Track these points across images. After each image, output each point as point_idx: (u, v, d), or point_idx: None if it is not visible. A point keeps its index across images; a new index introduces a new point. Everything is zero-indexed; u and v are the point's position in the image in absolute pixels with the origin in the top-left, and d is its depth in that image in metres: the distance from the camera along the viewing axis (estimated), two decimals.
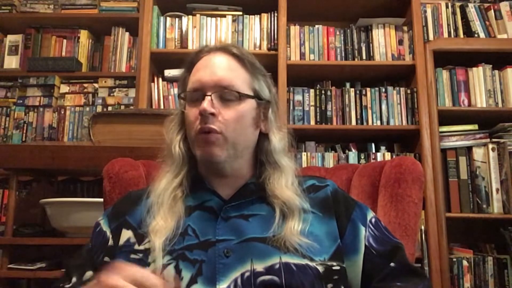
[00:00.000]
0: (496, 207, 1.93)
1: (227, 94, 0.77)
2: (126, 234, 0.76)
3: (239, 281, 0.67)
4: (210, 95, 0.76)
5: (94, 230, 0.82)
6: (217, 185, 0.80)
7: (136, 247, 0.74)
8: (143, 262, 0.71)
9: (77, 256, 0.81)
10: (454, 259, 1.91)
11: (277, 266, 0.68)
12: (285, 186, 0.78)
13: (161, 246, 0.70)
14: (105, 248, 0.77)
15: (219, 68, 0.78)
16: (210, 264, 0.68)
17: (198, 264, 0.69)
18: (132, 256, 0.73)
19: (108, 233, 0.79)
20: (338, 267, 0.72)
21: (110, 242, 0.78)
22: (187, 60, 0.85)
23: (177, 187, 0.78)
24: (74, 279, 0.76)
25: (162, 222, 0.73)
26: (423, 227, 1.91)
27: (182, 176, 0.79)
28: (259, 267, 0.68)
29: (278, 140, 0.82)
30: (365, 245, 0.76)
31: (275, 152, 0.81)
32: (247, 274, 0.67)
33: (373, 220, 0.81)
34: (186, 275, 0.68)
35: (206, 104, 0.75)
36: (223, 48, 0.81)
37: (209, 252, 0.70)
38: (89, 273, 0.76)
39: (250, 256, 0.69)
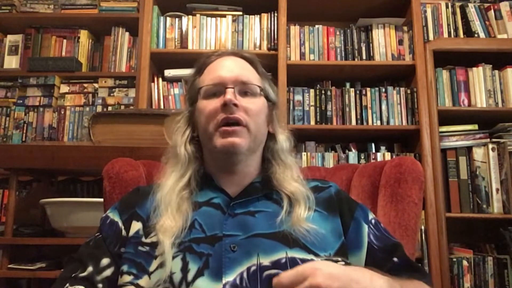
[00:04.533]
0: (496, 207, 1.93)
1: (247, 88, 0.81)
2: (136, 226, 0.77)
3: (245, 274, 0.68)
4: (233, 88, 0.79)
5: (104, 222, 0.81)
6: (224, 183, 0.82)
7: (143, 239, 0.74)
8: (150, 255, 0.72)
9: (85, 246, 0.79)
10: (454, 259, 1.91)
11: (283, 260, 0.69)
12: (291, 178, 0.81)
13: (169, 244, 0.70)
14: (120, 238, 0.77)
15: (236, 67, 0.83)
16: (216, 257, 0.69)
17: (204, 257, 0.70)
18: (140, 248, 0.74)
19: (120, 224, 0.79)
20: (343, 262, 0.73)
21: (123, 232, 0.78)
22: (197, 64, 0.88)
23: (184, 187, 0.79)
24: (90, 268, 0.74)
25: (169, 221, 0.73)
26: (423, 227, 1.91)
27: (189, 175, 0.80)
28: (266, 261, 0.69)
29: (284, 140, 0.86)
30: (368, 241, 0.78)
31: (282, 151, 0.85)
32: (253, 268, 0.68)
33: (373, 221, 0.83)
34: (193, 267, 0.69)
35: (230, 95, 0.77)
36: (235, 53, 0.87)
37: (216, 247, 0.71)
38: (105, 260, 0.75)
39: (257, 250, 0.70)
